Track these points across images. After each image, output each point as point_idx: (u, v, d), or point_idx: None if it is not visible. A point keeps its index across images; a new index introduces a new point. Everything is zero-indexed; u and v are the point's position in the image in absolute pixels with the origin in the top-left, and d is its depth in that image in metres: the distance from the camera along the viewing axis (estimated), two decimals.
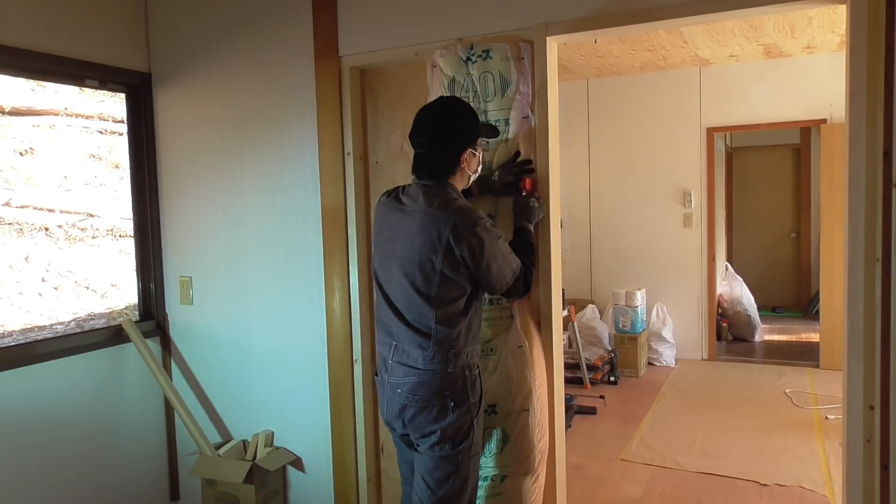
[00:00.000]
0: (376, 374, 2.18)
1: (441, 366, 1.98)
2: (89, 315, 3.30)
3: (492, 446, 2.37)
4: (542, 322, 2.40)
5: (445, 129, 2.04)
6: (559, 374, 2.45)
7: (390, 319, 2.06)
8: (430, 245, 1.95)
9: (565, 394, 3.30)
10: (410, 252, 1.99)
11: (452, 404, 1.99)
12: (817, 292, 6.58)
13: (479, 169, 2.17)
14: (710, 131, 5.97)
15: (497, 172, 2.38)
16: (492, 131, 2.30)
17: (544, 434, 2.38)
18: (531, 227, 2.29)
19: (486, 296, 2.42)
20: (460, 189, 2.10)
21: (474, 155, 2.09)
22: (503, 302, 2.41)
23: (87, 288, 3.36)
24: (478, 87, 2.42)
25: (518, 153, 2.40)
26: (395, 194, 2.12)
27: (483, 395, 2.11)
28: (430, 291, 1.97)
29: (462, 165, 2.06)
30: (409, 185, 2.11)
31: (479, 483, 2.33)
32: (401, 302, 2.03)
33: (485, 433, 2.36)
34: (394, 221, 2.07)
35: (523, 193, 2.33)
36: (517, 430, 2.34)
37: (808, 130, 7.63)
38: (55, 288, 3.23)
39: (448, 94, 2.46)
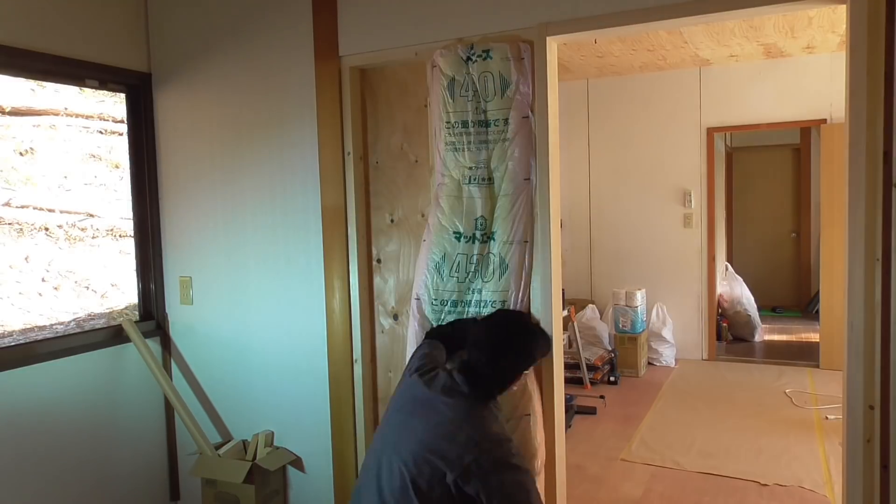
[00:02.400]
0: None
1: None
2: (89, 315, 3.31)
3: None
4: (542, 323, 2.40)
5: (514, 356, 2.00)
6: (559, 374, 2.45)
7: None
8: (446, 460, 1.82)
9: (565, 394, 3.30)
10: (421, 448, 1.87)
11: None
12: (817, 292, 6.58)
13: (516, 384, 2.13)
14: (710, 131, 5.97)
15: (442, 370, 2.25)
16: (549, 343, 2.22)
17: (543, 437, 2.39)
18: None
19: (478, 297, 2.44)
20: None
21: (520, 376, 2.05)
22: (497, 305, 2.41)
23: (87, 288, 3.36)
24: (477, 87, 2.42)
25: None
26: (428, 376, 2.02)
27: None
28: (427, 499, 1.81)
29: (509, 388, 2.03)
30: (448, 373, 2.00)
31: None
32: (386, 490, 1.88)
33: None
34: (415, 405, 1.98)
35: None
36: (518, 434, 2.34)
37: (807, 130, 7.63)
38: (55, 288, 3.23)
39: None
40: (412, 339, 2.56)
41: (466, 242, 2.47)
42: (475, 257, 2.45)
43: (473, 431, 1.86)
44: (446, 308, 2.50)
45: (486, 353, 2.00)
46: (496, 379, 1.99)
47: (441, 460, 1.83)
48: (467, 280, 2.47)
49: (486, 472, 1.81)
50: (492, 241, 2.43)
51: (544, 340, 2.16)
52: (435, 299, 2.52)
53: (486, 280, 2.43)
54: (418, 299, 2.56)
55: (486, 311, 2.41)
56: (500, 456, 1.85)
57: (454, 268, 2.48)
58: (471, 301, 2.45)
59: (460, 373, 2.01)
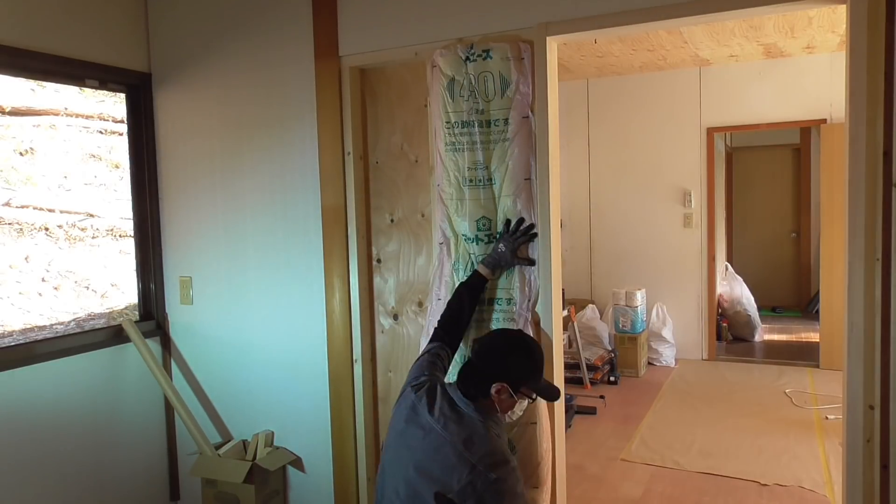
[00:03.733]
0: None
1: None
2: (89, 315, 3.31)
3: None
4: (542, 323, 2.40)
5: (495, 355, 2.01)
6: (559, 374, 2.45)
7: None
8: (441, 483, 1.84)
9: (565, 394, 3.30)
10: (417, 472, 1.90)
11: None
12: (817, 292, 6.58)
13: (511, 417, 2.13)
14: (710, 131, 5.97)
15: (501, 245, 2.37)
16: (550, 393, 2.12)
17: (549, 444, 2.39)
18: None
19: (485, 295, 2.44)
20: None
21: (511, 397, 1.99)
22: (504, 305, 2.41)
23: (87, 288, 3.36)
24: (477, 87, 2.42)
25: (509, 221, 2.39)
26: (425, 396, 2.01)
27: None
28: None
29: (493, 398, 1.98)
30: (445, 391, 2.01)
31: None
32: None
33: None
34: (408, 424, 1.99)
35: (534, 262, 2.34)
36: (524, 442, 2.35)
37: (807, 130, 7.63)
38: (55, 288, 3.23)
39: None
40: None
41: (473, 243, 2.47)
42: (483, 257, 2.45)
43: (468, 453, 1.86)
44: None
45: (480, 347, 2.03)
46: (481, 376, 1.99)
47: (437, 483, 1.85)
48: None
49: (480, 494, 1.81)
50: (497, 241, 2.43)
51: (525, 367, 2.07)
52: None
53: (493, 279, 2.44)
54: (441, 300, 2.55)
55: (486, 308, 2.43)
56: (497, 477, 1.83)
57: (468, 268, 2.48)
58: (484, 300, 2.45)
59: (457, 386, 2.02)
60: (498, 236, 2.42)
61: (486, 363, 2.01)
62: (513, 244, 2.36)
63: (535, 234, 2.37)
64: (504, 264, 2.38)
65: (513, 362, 2.02)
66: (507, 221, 2.40)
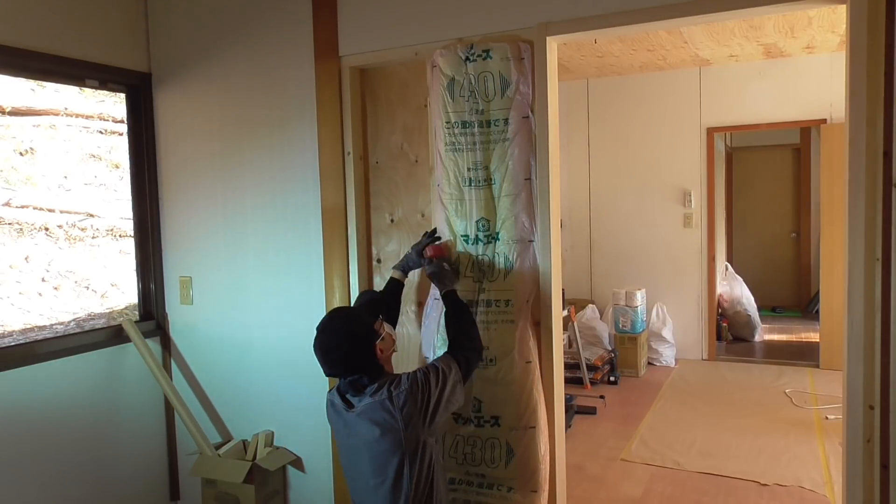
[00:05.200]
0: None
1: None
2: (89, 315, 3.30)
3: (495, 455, 2.38)
4: (542, 323, 2.40)
5: (347, 358, 1.99)
6: (559, 374, 2.45)
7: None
8: (391, 436, 1.92)
9: (565, 394, 3.30)
10: (374, 453, 1.96)
11: None
12: (817, 292, 6.58)
13: (395, 337, 2.15)
14: (710, 131, 5.97)
15: (412, 248, 2.47)
16: (376, 304, 2.27)
17: (547, 448, 2.39)
18: (453, 289, 2.32)
19: (484, 297, 2.43)
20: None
21: (382, 339, 2.04)
22: (501, 306, 2.41)
23: (87, 288, 3.36)
24: (477, 87, 2.42)
25: (435, 229, 2.50)
26: (339, 394, 2.05)
27: None
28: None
29: (381, 360, 2.02)
30: (348, 393, 2.03)
31: (486, 490, 2.36)
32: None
33: (487, 443, 2.38)
34: (348, 427, 2.02)
35: (433, 261, 2.38)
36: (523, 446, 2.35)
37: (807, 130, 7.63)
38: (55, 288, 3.23)
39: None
40: (430, 339, 2.56)
41: (472, 244, 2.47)
42: (482, 257, 2.46)
43: (376, 397, 1.93)
44: None
45: (330, 367, 2.02)
46: (360, 367, 2.00)
47: (390, 447, 1.93)
48: (482, 280, 2.47)
49: (414, 409, 1.92)
50: (496, 242, 2.43)
51: (361, 323, 2.09)
52: (362, 292, 2.57)
53: (492, 280, 2.44)
54: (438, 300, 2.55)
55: (483, 310, 2.43)
56: (410, 389, 1.94)
57: (467, 268, 2.48)
58: (483, 301, 2.45)
59: (348, 390, 2.04)
60: (497, 237, 2.44)
61: (357, 366, 1.99)
62: (418, 246, 2.45)
63: (437, 238, 2.47)
64: (412, 264, 2.46)
65: (354, 340, 2.00)
66: (433, 230, 2.52)
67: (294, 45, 2.80)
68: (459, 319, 2.24)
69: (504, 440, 2.37)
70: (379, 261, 2.80)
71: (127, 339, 3.04)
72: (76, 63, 2.85)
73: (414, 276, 2.59)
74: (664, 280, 6.13)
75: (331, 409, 2.09)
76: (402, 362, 2.73)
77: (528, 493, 2.35)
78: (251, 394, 3.06)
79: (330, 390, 2.13)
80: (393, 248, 2.76)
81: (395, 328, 2.35)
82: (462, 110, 2.44)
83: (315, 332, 2.03)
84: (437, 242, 2.46)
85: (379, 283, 2.80)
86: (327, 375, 2.05)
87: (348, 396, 2.02)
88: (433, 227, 2.55)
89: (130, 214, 3.20)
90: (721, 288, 6.75)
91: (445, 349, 2.24)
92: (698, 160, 6.00)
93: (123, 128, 3.18)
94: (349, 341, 1.99)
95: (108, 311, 3.38)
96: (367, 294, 2.51)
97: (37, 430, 2.70)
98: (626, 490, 3.50)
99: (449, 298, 2.29)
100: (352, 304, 2.60)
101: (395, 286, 2.46)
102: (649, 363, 5.97)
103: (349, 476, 2.10)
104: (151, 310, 3.24)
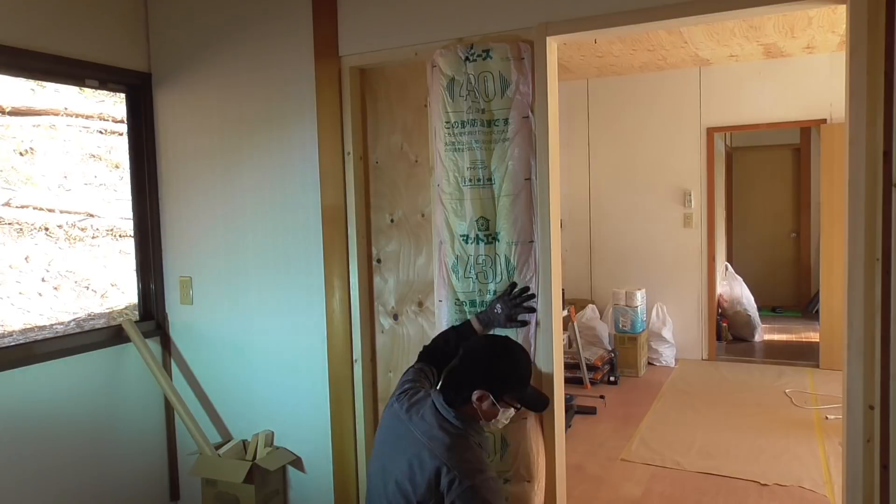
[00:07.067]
0: None
1: None
2: (89, 315, 3.30)
3: (490, 448, 2.38)
4: (542, 323, 2.40)
5: (473, 366, 1.96)
6: (559, 373, 2.45)
7: None
8: (420, 486, 1.83)
9: (565, 394, 3.30)
10: (400, 479, 1.89)
11: None
12: (817, 292, 6.58)
13: (496, 426, 2.04)
14: (710, 131, 5.97)
15: (499, 305, 2.36)
16: (537, 403, 2.10)
17: (540, 439, 2.39)
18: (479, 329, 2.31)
19: (485, 298, 2.44)
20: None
21: (494, 405, 1.93)
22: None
23: (87, 288, 3.35)
24: (477, 87, 2.42)
25: (514, 284, 2.38)
26: (408, 404, 2.01)
27: None
28: None
29: (474, 405, 1.93)
30: (428, 397, 2.00)
31: None
32: None
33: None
34: (394, 437, 1.98)
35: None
36: (517, 438, 2.36)
37: (808, 130, 7.63)
38: (55, 288, 3.23)
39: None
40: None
41: (472, 244, 2.47)
42: (482, 258, 2.46)
43: (445, 458, 1.83)
44: (466, 308, 2.50)
45: (465, 349, 2.01)
46: (464, 380, 1.95)
47: (412, 486, 1.85)
48: (485, 281, 2.47)
49: (452, 500, 1.78)
50: (497, 242, 2.43)
51: (512, 376, 2.03)
52: (456, 300, 2.52)
53: (496, 281, 2.44)
54: (441, 301, 2.55)
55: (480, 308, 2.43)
56: (472, 485, 1.79)
57: (468, 269, 2.48)
58: (485, 302, 2.45)
59: (440, 390, 2.00)
60: (497, 237, 2.43)
61: (469, 368, 1.97)
62: (510, 310, 2.34)
63: (534, 303, 2.35)
64: (497, 325, 2.37)
65: (496, 369, 1.96)
66: (512, 284, 2.39)
67: (294, 44, 2.80)
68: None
69: (499, 433, 2.38)
70: (379, 261, 2.80)
71: (127, 339, 3.04)
72: (76, 63, 2.85)
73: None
74: (664, 280, 6.13)
75: (389, 415, 2.04)
76: (402, 361, 2.74)
77: (522, 483, 2.36)
78: (251, 394, 3.06)
79: (400, 395, 2.07)
80: (393, 249, 2.76)
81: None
82: (462, 110, 2.44)
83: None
84: (533, 304, 2.33)
85: (379, 283, 2.80)
86: (421, 358, 2.07)
87: (432, 400, 1.97)
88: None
89: (130, 214, 3.20)
90: (721, 288, 6.75)
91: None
92: (698, 160, 6.00)
93: (123, 128, 3.18)
94: (491, 366, 1.95)
95: (108, 311, 3.38)
96: (446, 334, 2.39)
97: (37, 430, 2.70)
98: (626, 490, 3.50)
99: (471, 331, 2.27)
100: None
101: (467, 332, 2.35)
102: (649, 363, 5.97)
103: (371, 475, 2.06)
104: (151, 310, 3.24)
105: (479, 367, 1.96)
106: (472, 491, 1.78)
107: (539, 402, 2.10)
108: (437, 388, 2.03)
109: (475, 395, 1.92)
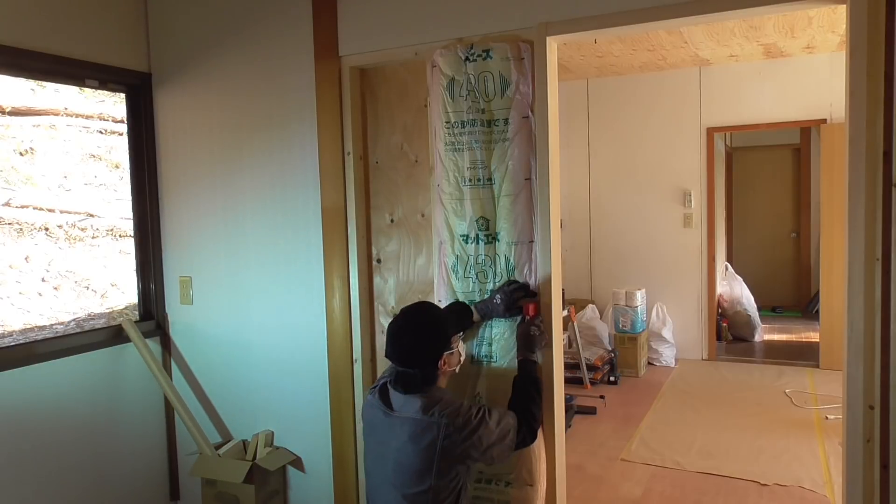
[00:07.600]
0: None
1: None
2: (89, 315, 3.30)
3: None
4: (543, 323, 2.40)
5: (413, 349, 2.01)
6: (559, 373, 2.45)
7: None
8: (425, 455, 1.94)
9: (565, 394, 3.30)
10: (402, 461, 1.98)
11: None
12: (817, 292, 6.58)
13: (462, 359, 2.17)
14: (710, 131, 5.98)
15: (499, 296, 2.36)
16: (462, 318, 2.27)
17: (541, 443, 2.39)
18: (534, 358, 2.28)
19: (493, 286, 2.45)
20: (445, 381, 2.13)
21: (451, 353, 2.08)
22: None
23: (87, 288, 3.35)
24: (477, 87, 2.42)
25: (513, 281, 2.39)
26: (380, 393, 2.08)
27: None
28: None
29: (441, 372, 2.05)
30: (394, 386, 2.05)
31: (485, 485, 2.39)
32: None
33: None
34: (383, 426, 2.05)
35: (526, 319, 2.31)
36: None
37: (808, 130, 7.63)
38: (55, 288, 3.23)
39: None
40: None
41: (472, 244, 2.47)
42: (482, 258, 2.46)
43: (431, 416, 1.95)
44: None
45: (397, 358, 2.04)
46: (421, 374, 2.02)
47: (424, 461, 1.95)
48: (485, 281, 2.47)
49: (454, 442, 1.93)
50: (497, 242, 2.43)
51: (442, 326, 2.11)
52: (456, 301, 2.52)
53: (495, 281, 2.44)
54: (441, 301, 2.55)
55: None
56: (464, 419, 1.95)
57: (468, 269, 2.48)
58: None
59: (397, 383, 2.05)
60: (497, 237, 2.43)
61: (417, 362, 2.02)
62: (509, 299, 2.35)
63: (534, 294, 2.37)
64: (496, 315, 2.39)
65: (429, 338, 2.03)
66: (510, 281, 2.41)
67: (294, 45, 2.80)
68: (531, 393, 2.22)
69: None
70: (379, 261, 2.80)
71: (127, 339, 3.04)
72: (76, 63, 2.85)
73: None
74: (664, 280, 6.13)
75: (368, 408, 2.11)
76: None
77: (523, 487, 2.37)
78: (251, 394, 3.06)
79: (371, 388, 2.15)
80: (393, 248, 2.76)
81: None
82: (462, 110, 2.44)
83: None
84: (534, 298, 2.34)
85: (379, 283, 2.80)
86: (387, 356, 2.07)
87: (393, 390, 2.04)
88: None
89: (130, 214, 3.20)
90: (721, 288, 6.75)
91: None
92: (698, 160, 6.01)
93: (123, 128, 3.18)
94: (422, 333, 2.02)
95: (108, 311, 3.38)
96: (459, 305, 2.43)
97: (37, 430, 2.70)
98: (626, 490, 3.50)
99: (528, 366, 2.26)
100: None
101: (467, 316, 2.38)
102: (649, 363, 5.97)
103: (369, 471, 2.12)
104: (151, 310, 3.24)
105: (421, 353, 2.02)
106: (467, 425, 1.95)
107: (462, 314, 2.29)
108: (401, 391, 2.04)
109: (441, 363, 2.03)
